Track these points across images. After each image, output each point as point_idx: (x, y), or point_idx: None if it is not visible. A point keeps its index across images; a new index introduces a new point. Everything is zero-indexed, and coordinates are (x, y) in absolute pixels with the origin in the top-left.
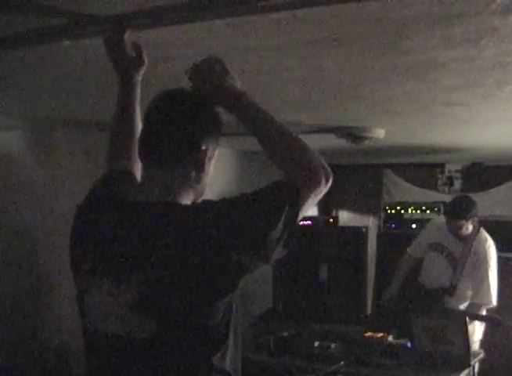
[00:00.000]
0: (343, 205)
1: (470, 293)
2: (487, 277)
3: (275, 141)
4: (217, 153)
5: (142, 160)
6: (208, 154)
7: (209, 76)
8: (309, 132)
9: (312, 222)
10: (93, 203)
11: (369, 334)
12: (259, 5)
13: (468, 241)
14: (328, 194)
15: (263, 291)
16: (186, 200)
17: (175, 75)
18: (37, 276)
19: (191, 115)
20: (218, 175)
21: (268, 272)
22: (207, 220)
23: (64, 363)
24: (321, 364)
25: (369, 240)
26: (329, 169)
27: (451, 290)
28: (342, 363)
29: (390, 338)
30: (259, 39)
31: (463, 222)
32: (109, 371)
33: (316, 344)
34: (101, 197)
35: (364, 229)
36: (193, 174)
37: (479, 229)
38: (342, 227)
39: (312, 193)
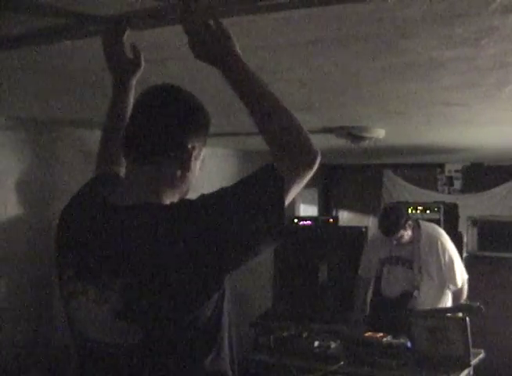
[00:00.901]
0: (343, 205)
1: (435, 291)
2: (452, 265)
3: (268, 114)
4: (204, 152)
5: (125, 157)
6: (194, 153)
7: (202, 19)
8: (309, 132)
9: (312, 222)
10: (76, 206)
11: (369, 334)
12: (259, 5)
13: (415, 241)
14: (328, 194)
15: (263, 291)
16: (171, 199)
17: (175, 75)
18: (37, 275)
19: (178, 112)
20: (218, 175)
21: (268, 272)
22: (185, 221)
23: (64, 363)
24: (321, 364)
25: None
26: (318, 151)
27: (416, 292)
28: (342, 363)
29: (390, 338)
30: (259, 39)
31: (401, 232)
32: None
33: (316, 344)
34: (84, 200)
35: (364, 229)
36: (178, 173)
37: (419, 226)
38: (342, 227)
39: (300, 177)
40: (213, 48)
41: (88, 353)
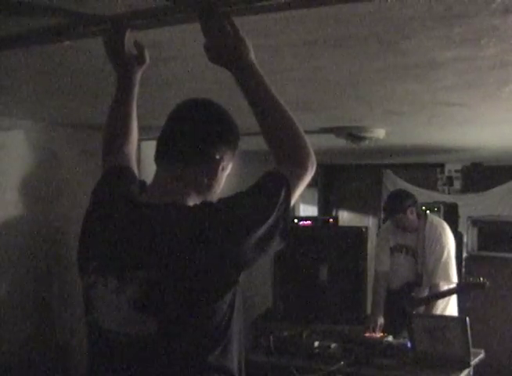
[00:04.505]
0: (343, 205)
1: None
2: (441, 257)
3: (274, 121)
4: (231, 166)
5: (156, 159)
6: (222, 165)
7: (222, 24)
8: (309, 132)
9: (312, 222)
10: (100, 202)
11: (369, 334)
12: (259, 5)
13: (420, 231)
14: (328, 194)
15: (263, 291)
16: (194, 202)
17: (175, 75)
18: (37, 275)
19: (211, 125)
20: None
21: (268, 272)
22: (206, 220)
23: (64, 363)
24: (321, 364)
25: (369, 240)
26: (314, 157)
27: (418, 280)
28: (342, 363)
29: (390, 338)
30: (259, 39)
31: (401, 215)
32: (109, 367)
33: (316, 344)
34: (107, 195)
35: (364, 229)
36: (205, 181)
37: (426, 216)
38: (342, 227)
39: (301, 180)
40: (227, 53)
41: (101, 342)
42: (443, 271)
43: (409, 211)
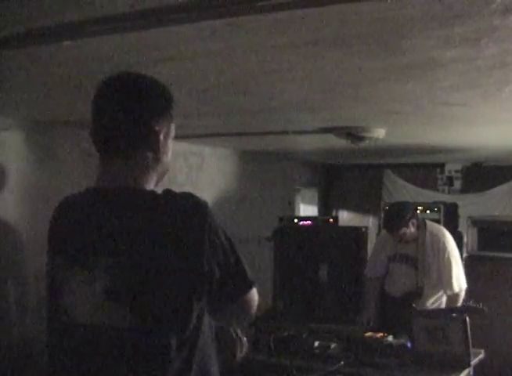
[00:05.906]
0: (343, 205)
1: (436, 290)
2: (450, 266)
3: None
4: (173, 128)
5: (98, 151)
6: (162, 134)
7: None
8: (309, 132)
9: (312, 222)
10: (64, 203)
11: (369, 334)
12: (259, 5)
13: (420, 240)
14: (328, 194)
15: (263, 291)
16: (150, 182)
17: (175, 75)
18: (37, 275)
19: (139, 97)
20: (218, 175)
21: (268, 272)
22: (167, 210)
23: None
24: (321, 364)
25: (369, 240)
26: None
27: (419, 291)
28: (342, 363)
29: (390, 338)
30: (259, 39)
31: (403, 229)
32: (78, 362)
33: (316, 344)
34: (74, 196)
35: (364, 229)
36: (150, 156)
37: (425, 225)
38: (342, 227)
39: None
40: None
41: (72, 337)
42: (457, 280)
43: (410, 224)
